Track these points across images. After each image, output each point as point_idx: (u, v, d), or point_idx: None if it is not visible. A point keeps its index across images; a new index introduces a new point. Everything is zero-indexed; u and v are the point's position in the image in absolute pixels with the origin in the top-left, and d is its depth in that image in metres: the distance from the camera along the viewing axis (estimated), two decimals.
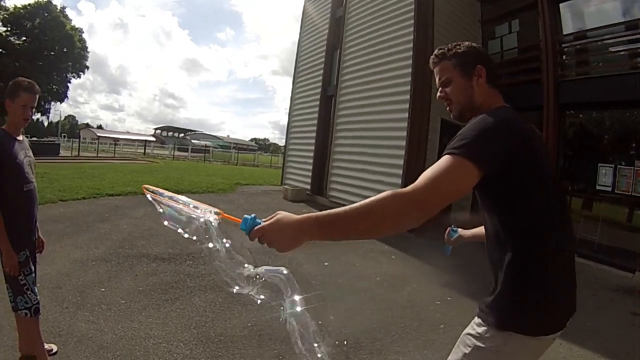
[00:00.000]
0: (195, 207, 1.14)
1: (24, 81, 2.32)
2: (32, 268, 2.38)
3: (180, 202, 1.17)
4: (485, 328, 1.22)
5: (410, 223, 1.04)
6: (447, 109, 1.42)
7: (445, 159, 1.09)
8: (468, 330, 1.30)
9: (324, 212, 1.02)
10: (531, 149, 1.18)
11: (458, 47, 1.38)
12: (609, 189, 6.85)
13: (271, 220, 1.03)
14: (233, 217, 1.11)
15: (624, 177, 6.69)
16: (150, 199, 1.22)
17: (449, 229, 1.88)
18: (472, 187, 1.11)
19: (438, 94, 1.44)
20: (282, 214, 1.04)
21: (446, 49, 1.40)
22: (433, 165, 1.09)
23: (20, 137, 2.36)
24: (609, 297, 4.92)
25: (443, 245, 1.93)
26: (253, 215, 1.05)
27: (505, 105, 1.34)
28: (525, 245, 1.18)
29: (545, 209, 1.19)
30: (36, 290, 2.35)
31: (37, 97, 2.37)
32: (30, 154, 2.44)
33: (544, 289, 1.16)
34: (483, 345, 1.21)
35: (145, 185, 1.26)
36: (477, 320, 1.28)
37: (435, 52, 1.43)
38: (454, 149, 1.09)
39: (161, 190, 1.22)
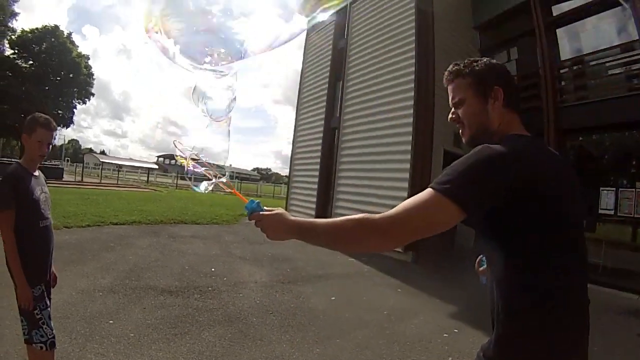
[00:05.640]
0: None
1: (41, 117, 2.35)
2: (48, 302, 2.40)
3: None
4: None
5: (371, 248, 1.12)
6: (460, 132, 1.30)
7: (425, 193, 1.04)
8: None
9: (307, 221, 1.18)
10: (539, 188, 1.03)
11: (475, 63, 1.25)
12: (612, 212, 6.93)
13: (271, 213, 1.23)
14: (241, 196, 1.36)
15: (626, 200, 6.79)
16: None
17: (479, 258, 1.68)
18: (451, 226, 1.04)
19: (450, 115, 1.31)
20: (281, 212, 1.23)
21: (462, 65, 1.27)
22: (413, 197, 1.05)
23: (36, 173, 2.40)
24: (614, 320, 4.91)
25: (477, 277, 1.72)
26: (258, 201, 1.26)
27: (522, 133, 1.20)
28: (526, 292, 1.03)
29: (554, 256, 1.04)
30: (52, 325, 2.35)
31: (54, 133, 2.41)
32: (46, 189, 2.47)
33: (547, 340, 1.01)
34: None
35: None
36: None
37: (450, 67, 1.30)
38: (437, 184, 1.03)
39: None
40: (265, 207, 1.27)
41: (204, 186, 1.41)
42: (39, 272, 2.35)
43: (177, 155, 1.42)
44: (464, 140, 1.29)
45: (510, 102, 1.23)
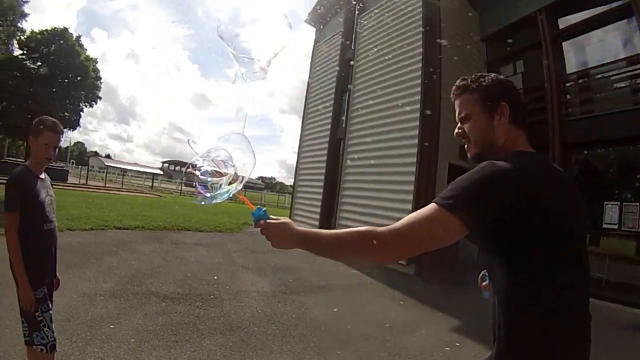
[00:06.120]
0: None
1: (48, 120, 2.36)
2: (50, 305, 2.39)
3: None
4: None
5: (374, 260, 1.12)
6: (465, 147, 1.30)
7: (429, 208, 1.05)
8: None
9: (312, 232, 1.20)
10: (543, 203, 1.02)
11: (483, 79, 1.25)
12: (616, 226, 6.93)
13: (277, 222, 1.24)
14: (250, 203, 1.37)
15: (630, 214, 6.79)
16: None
17: (482, 273, 1.63)
18: (454, 241, 1.05)
19: (456, 130, 1.31)
20: (287, 221, 1.24)
21: (469, 80, 1.27)
22: (417, 211, 1.06)
23: (42, 175, 2.40)
24: (618, 336, 4.85)
25: (481, 292, 1.66)
26: (265, 209, 1.27)
27: (526, 150, 1.19)
28: (530, 306, 1.03)
29: (559, 271, 1.03)
30: (53, 327, 2.35)
31: (60, 137, 2.42)
32: (52, 192, 2.47)
33: (549, 349, 1.00)
34: None
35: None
36: None
37: (458, 82, 1.30)
38: (441, 199, 1.05)
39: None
40: (271, 216, 1.28)
41: (214, 198, 1.38)
42: (42, 275, 2.35)
43: (192, 162, 1.38)
44: (469, 155, 1.29)
45: (516, 119, 1.22)
